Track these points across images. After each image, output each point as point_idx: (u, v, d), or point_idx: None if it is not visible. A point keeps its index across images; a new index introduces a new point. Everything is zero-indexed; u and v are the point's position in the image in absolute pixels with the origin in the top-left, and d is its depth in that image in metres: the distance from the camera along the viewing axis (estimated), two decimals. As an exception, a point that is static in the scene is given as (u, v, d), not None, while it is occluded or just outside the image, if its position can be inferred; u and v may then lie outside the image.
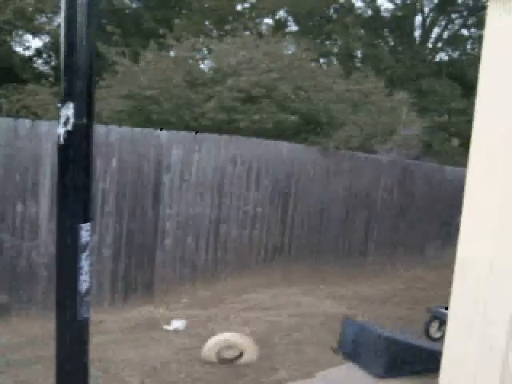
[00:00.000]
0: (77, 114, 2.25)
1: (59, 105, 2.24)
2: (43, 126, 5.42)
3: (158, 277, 6.42)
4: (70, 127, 2.24)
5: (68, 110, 2.23)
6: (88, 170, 2.34)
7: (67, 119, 2.23)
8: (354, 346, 4.98)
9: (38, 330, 4.99)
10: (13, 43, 10.92)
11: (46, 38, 11.24)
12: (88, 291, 2.29)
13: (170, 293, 6.52)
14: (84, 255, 2.29)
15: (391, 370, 4.62)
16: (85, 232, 2.28)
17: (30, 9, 10.46)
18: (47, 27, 10.85)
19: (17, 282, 5.35)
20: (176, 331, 5.48)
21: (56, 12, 10.77)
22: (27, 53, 11.33)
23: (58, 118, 2.21)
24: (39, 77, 10.57)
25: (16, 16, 10.20)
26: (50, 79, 10.09)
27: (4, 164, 5.22)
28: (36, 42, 11.38)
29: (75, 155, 2.28)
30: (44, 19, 10.99)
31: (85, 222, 2.29)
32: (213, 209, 6.87)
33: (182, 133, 6.70)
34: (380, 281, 8.38)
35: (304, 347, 5.20)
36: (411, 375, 4.61)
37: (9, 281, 5.32)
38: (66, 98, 2.25)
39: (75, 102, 2.25)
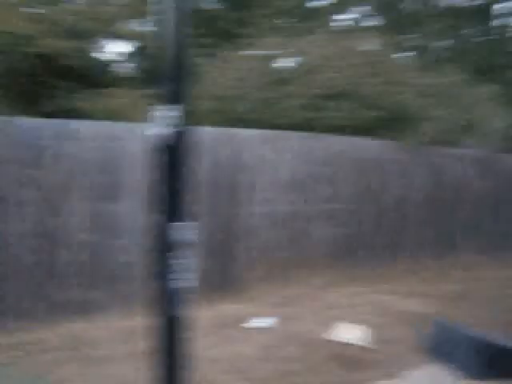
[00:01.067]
0: (177, 117, 2.32)
1: (158, 107, 2.31)
2: (135, 128, 5.64)
3: (243, 275, 6.53)
4: (170, 129, 2.32)
5: (168, 112, 2.31)
6: (187, 170, 2.41)
7: (167, 121, 2.31)
8: (444, 347, 4.86)
9: (130, 326, 5.19)
10: (93, 48, 11.39)
11: (128, 43, 11.65)
12: (183, 289, 2.35)
13: (253, 291, 6.60)
14: (179, 253, 2.35)
15: (486, 372, 4.48)
16: (181, 231, 2.35)
17: (111, 15, 10.89)
18: (129, 32, 11.26)
19: (108, 279, 5.59)
20: (261, 329, 5.53)
21: (138, 17, 11.15)
22: (107, 57, 11.76)
23: (154, 120, 2.28)
24: (120, 80, 10.96)
25: (97, 22, 10.64)
26: (131, 82, 10.45)
27: (97, 165, 5.48)
28: (116, 47, 11.76)
29: (174, 156, 2.36)
30: (126, 24, 11.40)
31: (180, 221, 2.36)
32: (297, 207, 6.89)
33: (265, 131, 6.76)
34: (470, 277, 8.05)
35: (393, 346, 5.13)
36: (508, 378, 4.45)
37: (101, 278, 5.57)
38: (166, 100, 2.33)
39: (175, 104, 2.33)
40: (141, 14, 10.66)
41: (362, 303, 6.50)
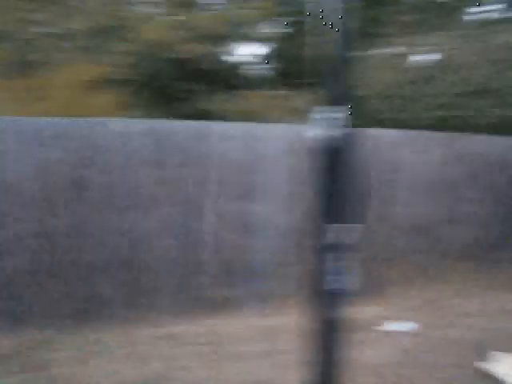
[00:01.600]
0: (341, 118, 2.25)
1: (320, 108, 2.24)
2: (274, 128, 5.68)
3: (383, 277, 6.34)
4: (333, 131, 2.25)
5: (331, 114, 2.24)
6: (352, 172, 2.33)
7: (329, 123, 2.24)
8: None
9: (267, 325, 5.24)
10: (227, 51, 11.72)
11: (261, 45, 11.86)
12: (342, 291, 2.28)
13: (392, 294, 6.39)
14: (337, 256, 2.28)
15: None
16: (341, 233, 2.27)
17: (245, 18, 11.15)
18: (262, 34, 11.46)
19: (248, 278, 5.67)
20: (401, 332, 5.33)
21: (272, 19, 11.30)
22: (239, 59, 12.04)
23: (315, 121, 2.21)
24: (253, 82, 11.17)
25: (231, 26, 10.95)
26: (265, 84, 10.61)
27: (237, 165, 5.58)
28: (249, 49, 11.99)
29: (337, 158, 2.29)
30: (259, 27, 11.62)
31: (340, 223, 2.28)
32: (435, 208, 6.57)
33: (404, 132, 6.53)
34: None
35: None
36: None
37: (240, 277, 5.67)
38: (329, 102, 2.27)
39: (340, 106, 2.26)
40: (274, 16, 10.81)
41: (505, 311, 6.03)
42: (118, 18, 10.53)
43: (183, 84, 10.19)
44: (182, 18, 10.93)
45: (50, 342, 4.66)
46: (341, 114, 2.24)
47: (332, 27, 2.22)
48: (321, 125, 2.25)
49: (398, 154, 6.28)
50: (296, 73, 10.27)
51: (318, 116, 2.27)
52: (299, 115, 8.02)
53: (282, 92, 9.52)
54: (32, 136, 4.75)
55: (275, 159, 5.66)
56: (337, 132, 2.23)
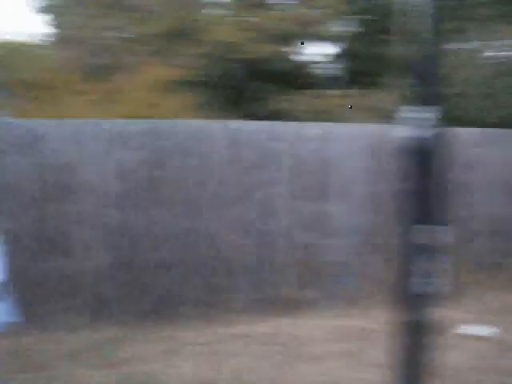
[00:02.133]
0: (433, 118, 2.16)
1: (410, 108, 2.16)
2: (351, 128, 5.55)
3: (459, 279, 6.07)
4: (426, 131, 2.16)
5: (422, 114, 2.15)
6: (441, 172, 2.24)
7: (422, 122, 2.15)
8: None
9: (340, 326, 5.11)
10: (295, 51, 11.66)
11: (330, 44, 11.72)
12: (429, 293, 2.18)
13: (468, 296, 6.11)
14: (426, 257, 2.20)
15: None
16: (432, 234, 2.16)
17: (314, 17, 11.06)
18: (331, 34, 11.33)
19: (321, 278, 5.57)
20: (478, 337, 5.07)
21: (341, 18, 11.16)
22: (308, 59, 11.95)
23: (405, 121, 2.15)
24: (323, 82, 11.06)
25: (300, 26, 10.89)
26: (334, 84, 10.48)
27: (310, 165, 5.49)
28: (318, 49, 11.88)
29: (427, 158, 2.19)
30: (329, 26, 11.49)
31: (430, 224, 2.20)
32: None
33: (483, 130, 6.26)
34: None
35: None
36: None
37: (314, 277, 5.57)
38: (418, 101, 2.19)
39: (430, 105, 2.17)
40: (344, 15, 10.66)
41: None
42: (189, 20, 10.71)
43: (254, 84, 10.20)
44: (252, 18, 10.97)
45: (127, 338, 4.74)
46: (430, 113, 2.16)
47: (418, 24, 2.13)
48: (409, 124, 2.17)
49: (476, 152, 5.99)
50: (368, 71, 10.05)
51: (406, 115, 2.19)
52: (375, 114, 7.84)
53: (355, 91, 9.34)
54: (112, 137, 4.85)
55: (353, 159, 5.52)
56: (427, 132, 2.14)
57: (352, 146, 5.59)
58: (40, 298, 4.65)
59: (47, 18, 14.07)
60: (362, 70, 10.45)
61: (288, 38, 11.07)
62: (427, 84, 2.20)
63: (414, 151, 2.20)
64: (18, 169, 4.58)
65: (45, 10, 15.54)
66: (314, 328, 5.15)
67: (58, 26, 14.91)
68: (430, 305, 2.24)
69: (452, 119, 7.40)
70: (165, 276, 5.07)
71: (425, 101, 2.18)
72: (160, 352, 4.52)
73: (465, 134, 5.97)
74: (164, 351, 4.54)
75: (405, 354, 2.26)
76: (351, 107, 8.49)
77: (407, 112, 2.18)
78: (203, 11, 11.44)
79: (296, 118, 7.73)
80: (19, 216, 4.59)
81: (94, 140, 4.76)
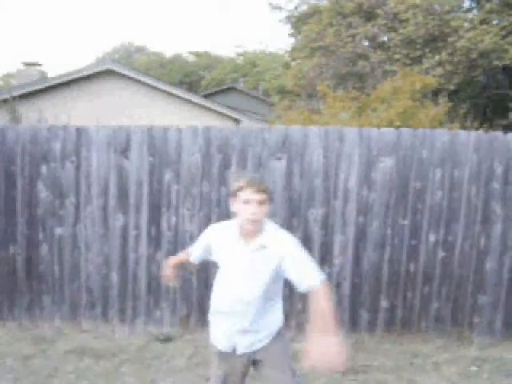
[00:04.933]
0: None
1: None
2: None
3: None
4: None
5: None
6: None
7: None
8: None
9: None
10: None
11: None
12: None
13: None
14: None
15: None
16: None
17: None
18: None
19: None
20: None
21: None
22: None
23: None
24: None
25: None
26: None
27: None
28: None
29: None
30: None
31: None
32: None
33: None
34: None
35: None
36: None
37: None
38: None
39: None
40: None
41: None
42: (443, 26, 10.43)
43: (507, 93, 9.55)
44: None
45: (364, 347, 4.73)
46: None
47: None
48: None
49: None
50: None
51: None
52: None
53: None
54: (376, 146, 4.91)
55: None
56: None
57: None
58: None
59: (287, 27, 14.88)
60: None
61: None
62: None
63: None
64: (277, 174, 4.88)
65: (285, 20, 16.57)
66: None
67: (298, 35, 15.73)
68: None
69: None
70: (416, 288, 4.99)
71: None
72: (398, 364, 4.42)
73: None
74: (403, 364, 4.43)
75: None
76: None
77: None
78: (457, 16, 11.03)
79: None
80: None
81: (358, 148, 4.88)
